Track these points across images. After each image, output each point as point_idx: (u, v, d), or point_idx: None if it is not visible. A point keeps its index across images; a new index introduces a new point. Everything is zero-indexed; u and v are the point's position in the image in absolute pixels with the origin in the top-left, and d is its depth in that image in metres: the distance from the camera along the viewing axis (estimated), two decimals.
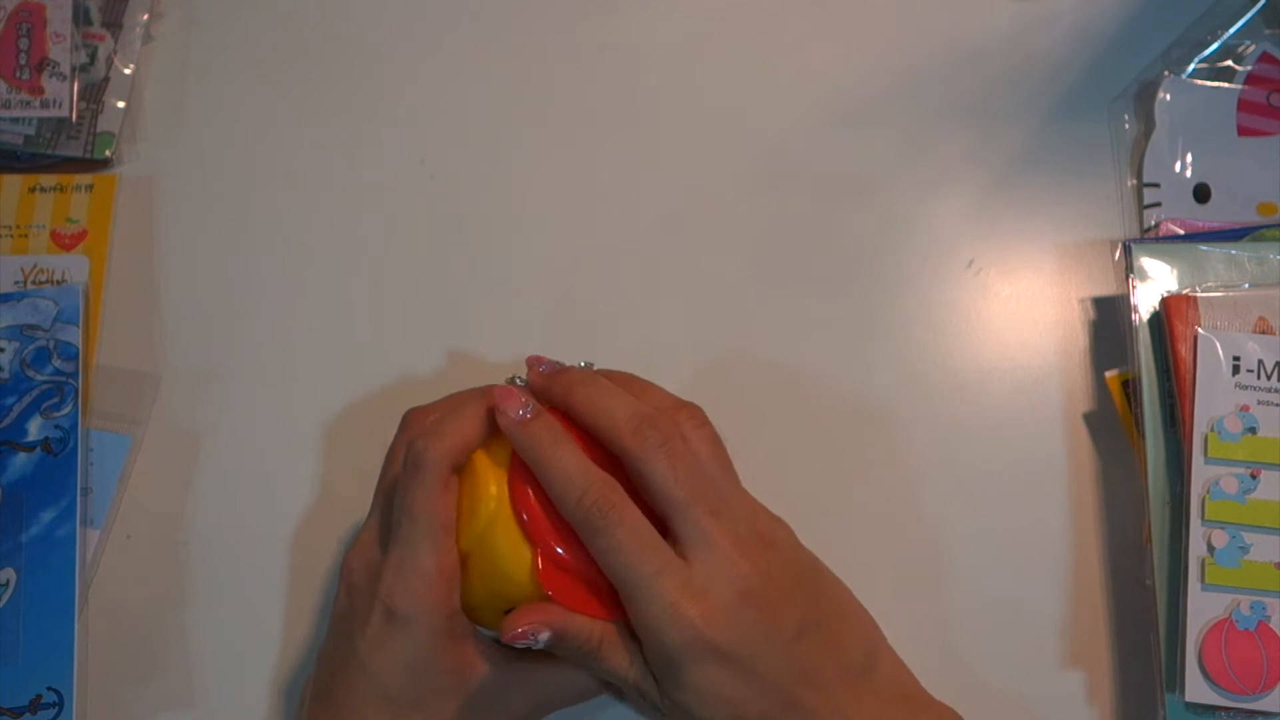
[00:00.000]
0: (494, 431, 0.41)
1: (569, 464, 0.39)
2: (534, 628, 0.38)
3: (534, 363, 0.42)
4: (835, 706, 0.39)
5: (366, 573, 0.41)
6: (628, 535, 0.38)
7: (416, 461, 0.40)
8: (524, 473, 0.40)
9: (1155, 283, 0.49)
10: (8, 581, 0.48)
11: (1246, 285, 0.49)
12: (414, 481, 0.40)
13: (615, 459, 0.40)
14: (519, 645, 0.38)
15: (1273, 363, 0.47)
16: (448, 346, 0.53)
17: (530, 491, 0.39)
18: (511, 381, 0.43)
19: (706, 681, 0.38)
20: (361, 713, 0.40)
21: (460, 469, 0.41)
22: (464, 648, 0.41)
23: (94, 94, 0.56)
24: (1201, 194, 0.53)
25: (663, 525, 0.39)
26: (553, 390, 0.41)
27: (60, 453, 0.49)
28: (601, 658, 0.39)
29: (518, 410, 0.40)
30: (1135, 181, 0.54)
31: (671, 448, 0.39)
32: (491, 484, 0.40)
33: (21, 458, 0.49)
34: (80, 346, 0.51)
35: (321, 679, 0.42)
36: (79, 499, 0.49)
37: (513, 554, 0.39)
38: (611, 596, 0.39)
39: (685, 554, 0.38)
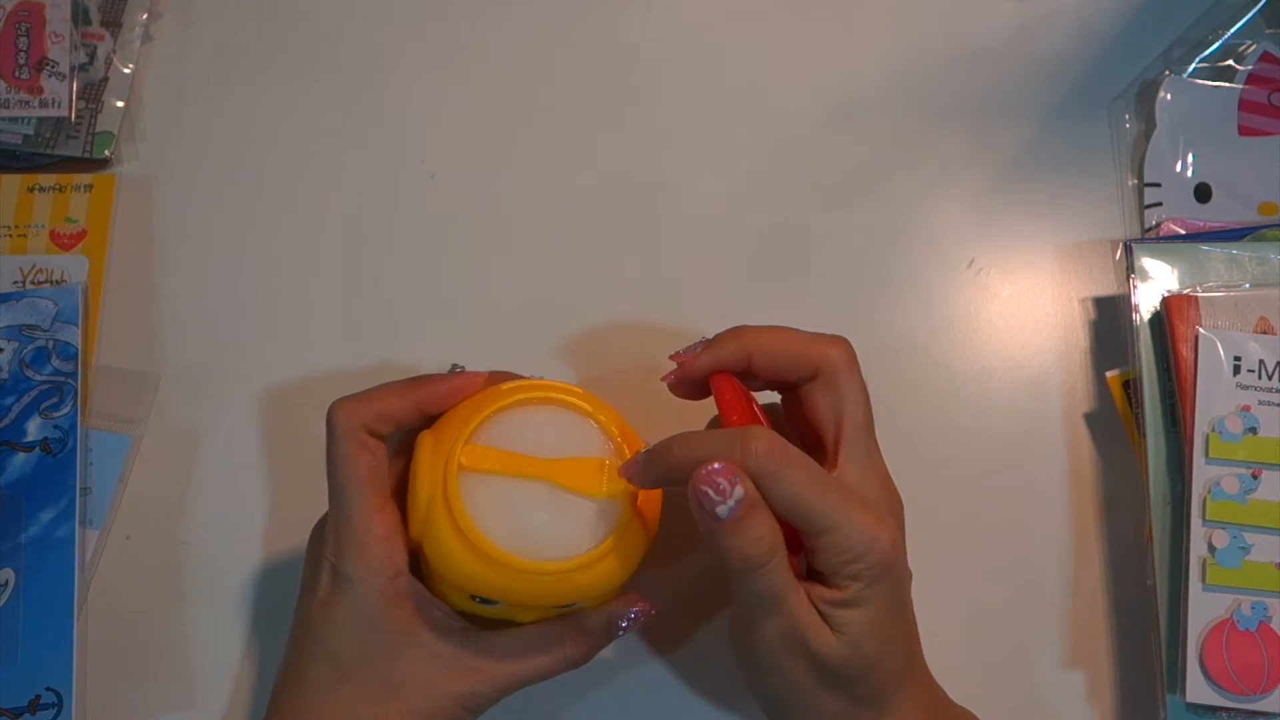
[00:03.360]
0: (444, 413, 0.41)
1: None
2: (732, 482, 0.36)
3: (680, 355, 0.42)
4: (894, 692, 0.40)
5: (322, 538, 0.41)
6: (803, 474, 0.37)
7: (328, 425, 0.41)
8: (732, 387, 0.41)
9: (1156, 282, 0.49)
10: (7, 582, 0.47)
11: (1247, 285, 0.49)
12: (329, 444, 0.41)
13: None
14: (715, 511, 0.36)
15: (1274, 363, 0.47)
16: (448, 345, 0.53)
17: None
18: (453, 369, 0.43)
19: (880, 604, 0.38)
20: (308, 675, 0.40)
21: (383, 436, 0.41)
22: (412, 611, 0.40)
23: (93, 94, 0.56)
24: (1202, 194, 0.53)
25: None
26: (731, 342, 0.41)
27: (59, 453, 0.49)
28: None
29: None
30: (1136, 181, 0.54)
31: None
32: (425, 472, 0.39)
33: (20, 458, 0.49)
34: (79, 346, 0.51)
35: (286, 653, 0.42)
36: (78, 499, 0.49)
37: (453, 542, 0.39)
38: None
39: (853, 476, 0.40)
